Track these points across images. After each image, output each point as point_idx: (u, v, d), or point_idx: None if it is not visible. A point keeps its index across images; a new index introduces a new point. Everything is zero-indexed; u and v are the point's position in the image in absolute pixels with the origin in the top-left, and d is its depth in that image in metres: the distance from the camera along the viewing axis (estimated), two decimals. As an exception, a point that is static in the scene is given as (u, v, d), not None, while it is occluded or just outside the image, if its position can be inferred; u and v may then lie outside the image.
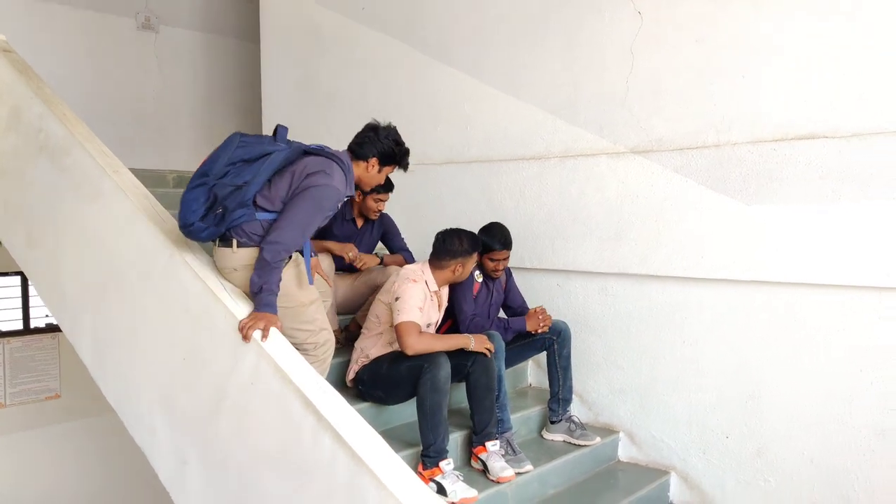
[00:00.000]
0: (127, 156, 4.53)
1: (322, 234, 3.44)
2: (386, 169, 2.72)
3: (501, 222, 3.46)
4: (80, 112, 3.46)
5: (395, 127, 2.73)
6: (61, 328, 3.30)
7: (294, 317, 2.59)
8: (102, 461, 5.58)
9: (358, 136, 2.70)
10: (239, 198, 2.46)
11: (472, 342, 2.99)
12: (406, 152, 2.74)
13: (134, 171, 3.11)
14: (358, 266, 3.45)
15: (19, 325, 5.58)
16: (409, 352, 2.85)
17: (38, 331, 5.67)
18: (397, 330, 2.90)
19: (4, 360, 5.45)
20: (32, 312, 5.65)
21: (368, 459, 2.05)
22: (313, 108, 4.94)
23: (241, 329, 2.38)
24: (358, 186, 2.76)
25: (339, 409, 2.22)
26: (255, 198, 2.51)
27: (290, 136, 2.61)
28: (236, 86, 6.49)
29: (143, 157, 5.43)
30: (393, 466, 2.08)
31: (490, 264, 3.41)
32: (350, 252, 3.41)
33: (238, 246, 2.54)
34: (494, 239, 3.38)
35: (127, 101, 5.81)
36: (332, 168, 2.51)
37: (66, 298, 3.19)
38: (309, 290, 2.65)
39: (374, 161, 2.66)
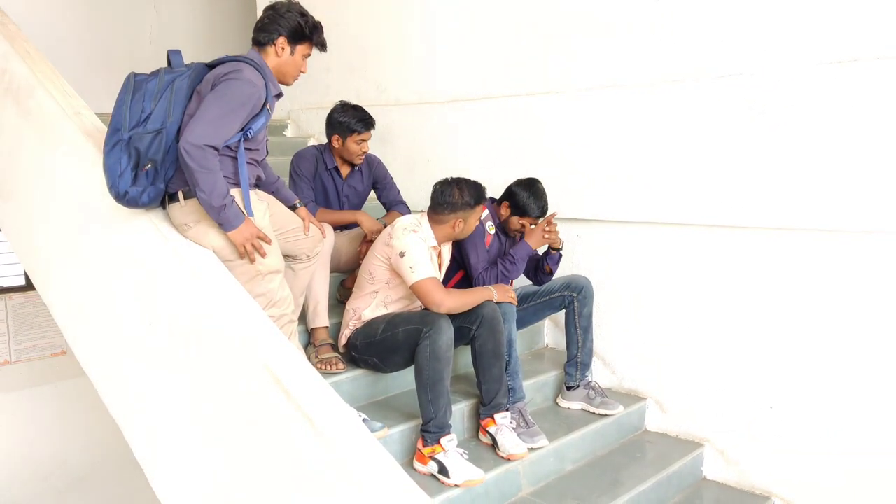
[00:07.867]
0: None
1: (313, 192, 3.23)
2: (300, 49, 2.42)
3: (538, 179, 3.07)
4: (74, 59, 3.18)
5: (297, 1, 2.46)
6: (35, 287, 3.09)
7: (248, 283, 2.30)
8: (110, 417, 5.46)
9: (257, 21, 2.41)
10: (164, 143, 2.20)
11: (495, 293, 2.76)
12: (317, 25, 2.43)
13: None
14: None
15: (21, 281, 5.37)
16: (442, 310, 2.59)
17: (41, 286, 5.55)
18: (419, 289, 2.61)
19: (7, 316, 5.30)
20: (34, 267, 5.51)
21: (347, 454, 1.72)
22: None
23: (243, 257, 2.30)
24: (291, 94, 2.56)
25: (313, 389, 1.90)
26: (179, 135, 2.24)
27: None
28: (238, 23, 6.15)
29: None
30: (377, 465, 1.76)
31: (517, 225, 3.05)
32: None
33: (186, 197, 2.26)
34: (537, 203, 2.99)
35: (122, 46, 5.62)
36: (240, 67, 2.25)
37: (39, 254, 2.98)
38: (270, 257, 2.35)
39: (281, 41, 2.37)
